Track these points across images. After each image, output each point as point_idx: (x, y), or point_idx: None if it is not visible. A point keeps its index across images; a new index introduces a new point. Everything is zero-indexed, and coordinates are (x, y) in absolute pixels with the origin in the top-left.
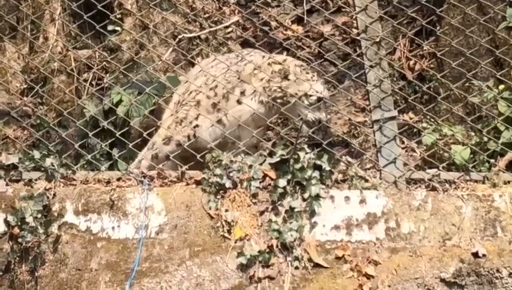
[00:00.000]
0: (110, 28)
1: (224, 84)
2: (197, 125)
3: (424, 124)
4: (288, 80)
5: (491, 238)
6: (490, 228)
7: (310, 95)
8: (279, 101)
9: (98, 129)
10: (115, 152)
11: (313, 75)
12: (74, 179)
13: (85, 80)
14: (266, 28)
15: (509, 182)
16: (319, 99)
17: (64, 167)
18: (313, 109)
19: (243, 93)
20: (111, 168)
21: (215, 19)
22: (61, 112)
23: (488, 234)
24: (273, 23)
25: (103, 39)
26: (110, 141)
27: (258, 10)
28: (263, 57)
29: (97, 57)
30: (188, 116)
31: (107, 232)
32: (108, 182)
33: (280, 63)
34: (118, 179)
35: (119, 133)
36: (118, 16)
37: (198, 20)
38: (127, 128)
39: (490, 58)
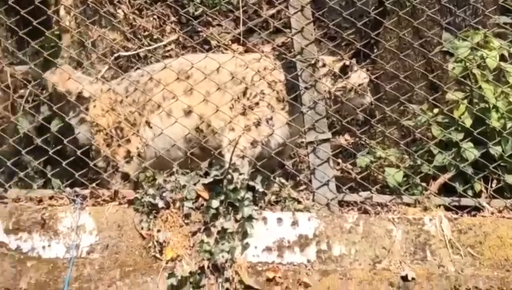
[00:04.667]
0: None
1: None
2: (273, 125)
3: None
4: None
5: (420, 262)
6: (420, 252)
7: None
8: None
9: (32, 146)
10: (49, 170)
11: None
12: (5, 197)
13: (21, 96)
14: (206, 47)
15: (440, 205)
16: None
17: None
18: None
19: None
20: (45, 185)
21: (155, 36)
22: None
23: (417, 257)
24: (214, 42)
25: (41, 55)
26: (43, 159)
27: (199, 28)
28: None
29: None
30: (263, 117)
31: (38, 251)
32: (40, 201)
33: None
34: (51, 198)
35: (52, 151)
36: (55, 33)
37: (137, 37)
38: (61, 146)
39: (425, 82)
